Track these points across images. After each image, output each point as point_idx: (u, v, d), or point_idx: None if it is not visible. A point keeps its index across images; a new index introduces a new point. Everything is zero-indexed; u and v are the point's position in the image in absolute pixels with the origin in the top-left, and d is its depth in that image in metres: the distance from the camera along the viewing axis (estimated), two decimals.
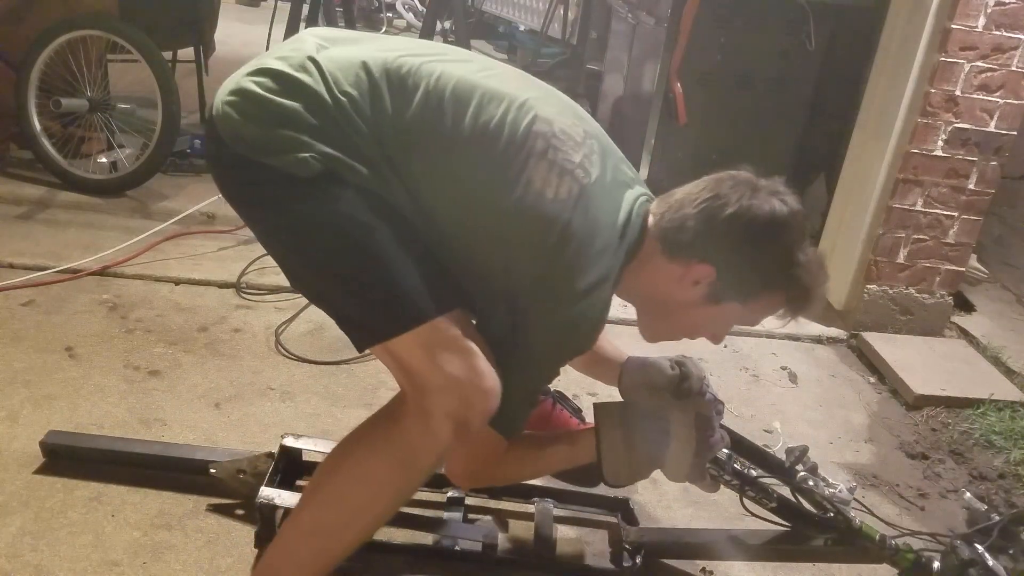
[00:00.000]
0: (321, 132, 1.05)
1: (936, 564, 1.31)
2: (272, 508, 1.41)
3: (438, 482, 1.58)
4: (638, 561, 1.47)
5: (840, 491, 1.33)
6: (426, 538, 1.47)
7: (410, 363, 1.10)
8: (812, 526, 1.36)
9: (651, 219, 1.19)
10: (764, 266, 1.15)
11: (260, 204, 1.12)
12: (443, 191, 1.10)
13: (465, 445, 1.14)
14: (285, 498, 1.43)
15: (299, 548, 1.16)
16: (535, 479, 1.54)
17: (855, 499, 1.35)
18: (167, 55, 3.23)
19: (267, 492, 1.41)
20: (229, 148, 1.08)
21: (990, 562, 1.24)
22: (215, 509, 1.51)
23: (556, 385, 1.77)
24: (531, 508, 1.57)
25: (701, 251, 1.14)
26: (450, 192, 1.10)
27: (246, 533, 1.45)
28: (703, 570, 1.53)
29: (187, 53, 3.49)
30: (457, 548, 1.46)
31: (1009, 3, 2.28)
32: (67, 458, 1.56)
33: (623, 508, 1.60)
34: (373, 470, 1.12)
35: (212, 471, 1.50)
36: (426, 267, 1.11)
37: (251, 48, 4.61)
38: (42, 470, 1.55)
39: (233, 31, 4.97)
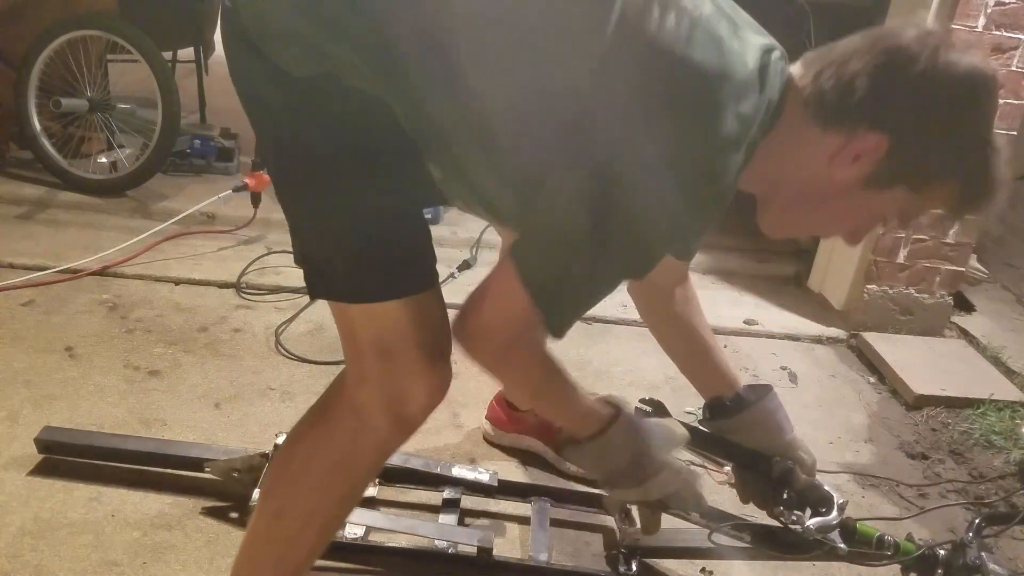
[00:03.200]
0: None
1: (942, 552, 1.25)
2: None
3: (434, 480, 1.58)
4: (634, 567, 1.46)
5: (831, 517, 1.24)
6: (422, 540, 1.47)
7: (358, 335, 1.00)
8: (797, 550, 1.30)
9: (796, 78, 0.94)
10: (955, 141, 0.90)
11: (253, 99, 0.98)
12: (496, 41, 0.86)
13: (504, 318, 0.94)
14: None
15: (261, 559, 1.10)
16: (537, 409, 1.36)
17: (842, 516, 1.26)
18: (167, 55, 3.23)
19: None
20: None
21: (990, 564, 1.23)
22: (214, 509, 1.51)
23: None
24: (527, 508, 1.57)
25: (873, 117, 0.88)
26: (505, 42, 0.86)
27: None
28: (703, 570, 1.53)
29: (187, 53, 3.49)
30: (452, 552, 1.45)
31: (1009, 3, 2.28)
32: (62, 454, 1.56)
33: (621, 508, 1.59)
34: (315, 474, 1.04)
35: (207, 470, 1.50)
36: (413, 228, 0.99)
37: None
38: (42, 470, 1.55)
39: None
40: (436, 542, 1.46)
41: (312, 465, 1.04)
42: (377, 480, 1.55)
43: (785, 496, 1.23)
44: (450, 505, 1.55)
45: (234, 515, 1.50)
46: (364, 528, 1.46)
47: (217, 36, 3.60)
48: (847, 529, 1.27)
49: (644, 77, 0.84)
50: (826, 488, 1.26)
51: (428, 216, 2.74)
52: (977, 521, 1.32)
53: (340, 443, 1.03)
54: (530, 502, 1.58)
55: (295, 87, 0.92)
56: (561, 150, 0.87)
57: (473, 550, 1.44)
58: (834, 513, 1.23)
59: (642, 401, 1.34)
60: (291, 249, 1.04)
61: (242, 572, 1.12)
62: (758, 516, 1.33)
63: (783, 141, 0.92)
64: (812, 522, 1.21)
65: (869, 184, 0.93)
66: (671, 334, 1.39)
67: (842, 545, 1.26)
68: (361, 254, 0.97)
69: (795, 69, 0.95)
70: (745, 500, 1.32)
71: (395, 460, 1.58)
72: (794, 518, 1.21)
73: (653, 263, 0.94)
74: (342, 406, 1.03)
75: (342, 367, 1.06)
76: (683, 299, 1.36)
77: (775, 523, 1.27)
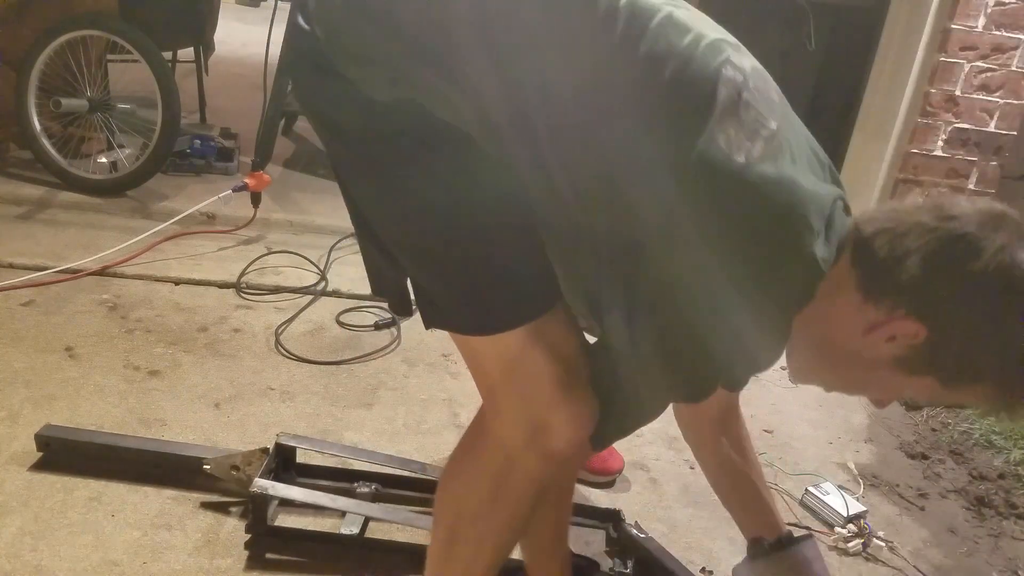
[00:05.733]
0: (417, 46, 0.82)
1: None
2: (265, 498, 1.42)
3: (431, 487, 1.58)
4: (629, 567, 1.46)
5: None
6: (419, 534, 1.47)
7: (484, 366, 0.95)
8: None
9: (853, 228, 0.88)
10: (1000, 348, 0.81)
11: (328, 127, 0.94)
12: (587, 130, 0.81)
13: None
14: (279, 489, 1.43)
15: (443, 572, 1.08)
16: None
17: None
18: (167, 55, 3.23)
19: (261, 483, 1.42)
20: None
21: None
22: (215, 508, 1.51)
23: None
24: None
25: (915, 303, 0.81)
26: (598, 129, 0.80)
27: (246, 533, 1.45)
28: (703, 570, 1.53)
29: (187, 53, 3.49)
30: None
31: (1009, 3, 2.29)
32: (62, 452, 1.56)
33: (615, 519, 1.58)
34: (473, 506, 1.01)
35: (206, 467, 1.50)
36: (529, 247, 0.89)
37: (251, 48, 4.62)
38: (42, 470, 1.55)
39: (233, 31, 4.97)
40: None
41: (470, 499, 1.01)
42: (374, 486, 1.55)
43: None
44: None
45: (234, 514, 1.50)
46: (362, 519, 1.46)
47: (217, 36, 3.60)
48: None
49: (734, 205, 0.78)
50: None
51: None
52: None
53: (490, 479, 0.99)
54: None
55: (378, 110, 0.87)
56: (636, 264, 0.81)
57: None
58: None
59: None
60: (367, 280, 1.01)
61: None
62: None
63: (828, 293, 0.85)
64: None
65: (898, 366, 0.86)
66: (718, 472, 1.30)
67: None
68: (475, 284, 0.90)
69: (857, 218, 0.89)
70: None
71: (394, 466, 1.58)
72: None
73: (710, 390, 0.89)
74: (488, 443, 0.98)
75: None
76: (735, 437, 1.27)
77: None
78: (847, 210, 0.89)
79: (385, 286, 1.02)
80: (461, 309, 0.91)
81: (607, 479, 1.75)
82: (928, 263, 0.80)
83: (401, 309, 1.03)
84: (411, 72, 0.84)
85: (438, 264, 0.91)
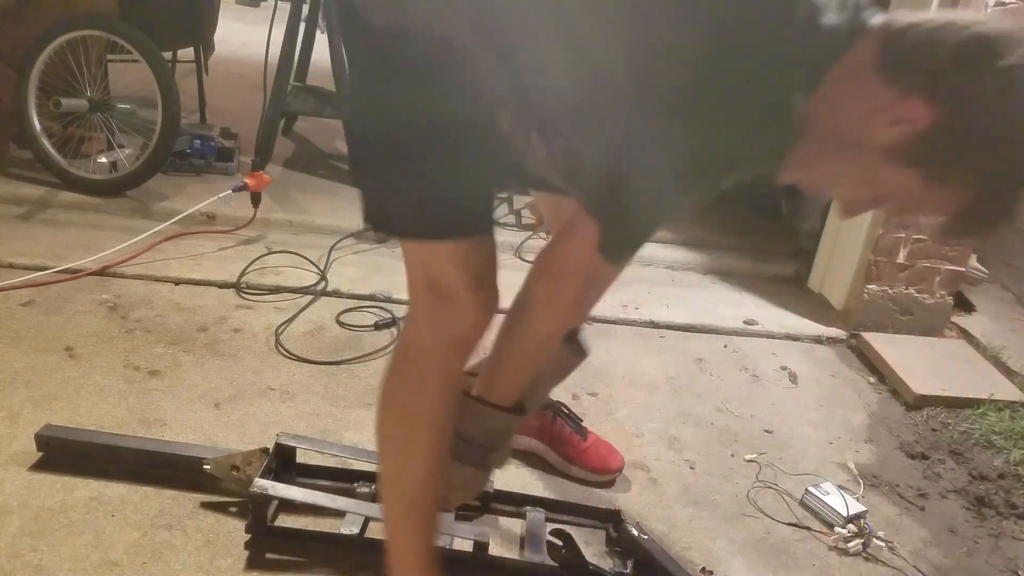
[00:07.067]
0: None
1: None
2: (265, 499, 1.42)
3: None
4: (629, 567, 1.46)
5: None
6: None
7: (410, 269, 1.09)
8: None
9: (880, 20, 0.90)
10: (996, 150, 0.85)
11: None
12: None
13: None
14: (279, 489, 1.43)
15: (389, 505, 1.20)
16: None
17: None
18: (167, 55, 3.23)
19: (261, 483, 1.42)
20: None
21: None
22: (215, 508, 1.51)
23: (555, 393, 1.77)
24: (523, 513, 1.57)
25: (934, 87, 0.83)
26: None
27: (246, 533, 1.45)
28: (703, 570, 1.53)
29: (187, 53, 3.49)
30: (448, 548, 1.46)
31: (1009, 3, 2.28)
32: (62, 452, 1.56)
33: (615, 519, 1.59)
34: (397, 407, 1.15)
35: (206, 467, 1.50)
36: (482, 175, 1.05)
37: (251, 48, 4.61)
38: (42, 470, 1.55)
39: (233, 31, 4.97)
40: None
41: (394, 399, 1.15)
42: (374, 486, 1.55)
43: None
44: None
45: (234, 514, 1.50)
46: (362, 519, 1.46)
47: (217, 36, 3.60)
48: None
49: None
50: None
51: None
52: None
53: (410, 374, 1.12)
54: (525, 512, 1.58)
55: (377, 35, 0.97)
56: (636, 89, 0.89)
57: (469, 545, 1.44)
58: None
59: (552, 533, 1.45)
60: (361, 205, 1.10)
61: (387, 529, 1.22)
62: None
63: (842, 79, 0.88)
64: None
65: (892, 156, 0.88)
66: None
67: None
68: (425, 194, 1.03)
69: (890, 16, 0.90)
70: None
71: None
72: None
73: (714, 183, 0.96)
74: (407, 342, 1.13)
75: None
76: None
77: None
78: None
79: (366, 204, 1.10)
80: (406, 216, 1.05)
81: (607, 478, 1.75)
82: (958, 52, 0.82)
83: (368, 219, 1.12)
84: None
85: (401, 169, 1.02)
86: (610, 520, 1.59)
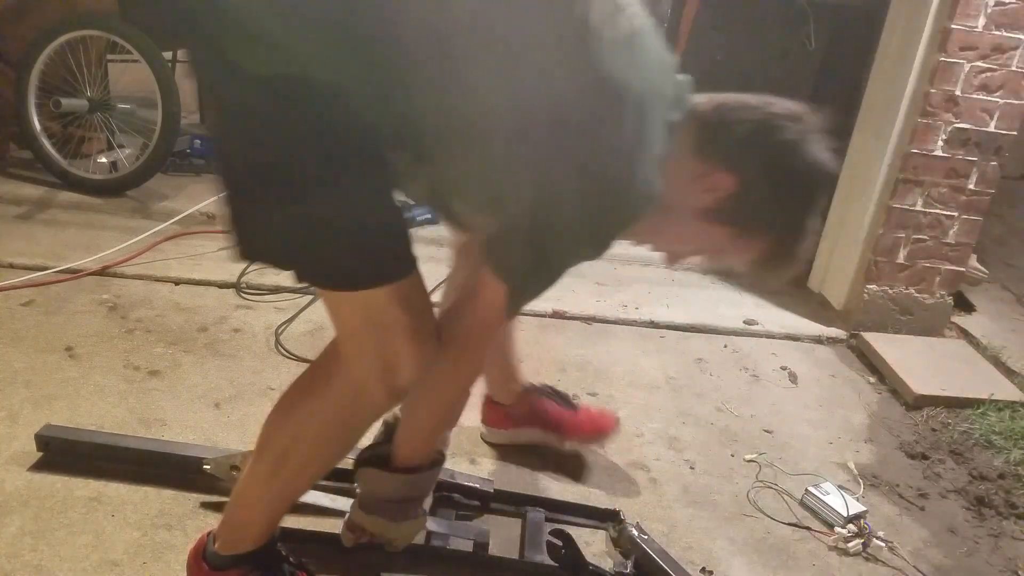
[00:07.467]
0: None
1: None
2: None
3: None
4: (629, 567, 1.47)
5: None
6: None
7: (344, 318, 1.08)
8: None
9: (699, 104, 1.09)
10: (782, 208, 1.08)
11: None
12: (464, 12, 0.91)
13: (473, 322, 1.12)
14: None
15: (259, 496, 1.22)
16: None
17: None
18: (167, 55, 3.23)
19: None
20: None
21: None
22: (215, 508, 1.51)
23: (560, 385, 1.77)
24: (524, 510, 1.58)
25: (734, 161, 1.05)
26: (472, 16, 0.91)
27: None
28: (703, 570, 1.53)
29: None
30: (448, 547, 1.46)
31: (1009, 3, 2.28)
32: (62, 452, 1.56)
33: (614, 519, 1.59)
34: (315, 430, 1.16)
35: (206, 467, 1.50)
36: (395, 217, 1.03)
37: None
38: (42, 470, 1.55)
39: None
40: (432, 539, 1.46)
41: (312, 422, 1.16)
42: None
43: None
44: (446, 504, 1.56)
45: None
46: None
47: None
48: None
49: (592, 94, 0.93)
50: None
51: (428, 216, 2.75)
52: None
53: (339, 408, 1.14)
54: (525, 512, 1.58)
55: (260, 84, 0.92)
56: (532, 152, 0.96)
57: (469, 545, 1.44)
58: None
59: (552, 534, 1.47)
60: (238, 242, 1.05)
61: (239, 510, 1.24)
62: None
63: (673, 156, 1.04)
64: None
65: (708, 216, 1.08)
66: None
67: None
68: (346, 245, 1.01)
69: (701, 97, 1.10)
70: None
71: None
72: None
73: (613, 238, 1.07)
74: (341, 377, 1.12)
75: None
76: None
77: None
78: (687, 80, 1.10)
79: (258, 248, 1.06)
80: (331, 268, 1.03)
81: (604, 439, 1.80)
82: (749, 131, 1.05)
83: (276, 265, 1.08)
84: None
85: (312, 223, 0.99)
86: (610, 520, 1.59)
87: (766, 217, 1.08)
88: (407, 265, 1.06)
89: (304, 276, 1.06)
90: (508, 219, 1.04)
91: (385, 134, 0.99)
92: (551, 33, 0.92)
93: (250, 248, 1.04)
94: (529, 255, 1.02)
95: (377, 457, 1.27)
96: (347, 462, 1.62)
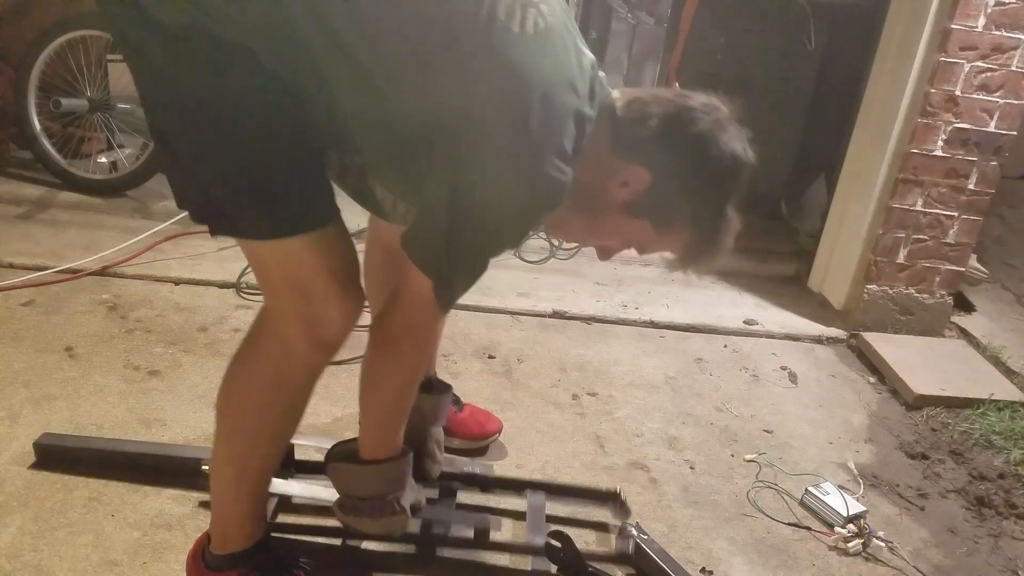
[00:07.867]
0: None
1: None
2: None
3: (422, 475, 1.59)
4: (631, 547, 1.48)
5: None
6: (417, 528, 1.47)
7: (271, 271, 1.08)
8: None
9: (613, 100, 1.10)
10: (699, 199, 1.08)
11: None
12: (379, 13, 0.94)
13: (404, 308, 1.13)
14: (278, 486, 1.43)
15: (224, 478, 1.23)
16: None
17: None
18: None
19: None
20: None
21: None
22: None
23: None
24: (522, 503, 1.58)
25: (648, 155, 1.05)
26: (386, 16, 0.94)
27: None
28: (703, 570, 1.53)
29: None
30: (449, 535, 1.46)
31: (1009, 3, 2.29)
32: (61, 460, 1.56)
33: (614, 500, 1.60)
34: (254, 397, 1.16)
35: (206, 467, 1.50)
36: (311, 165, 1.05)
37: None
38: (42, 470, 1.55)
39: None
40: (433, 529, 1.46)
41: (251, 390, 1.16)
42: None
43: None
44: (446, 494, 1.56)
45: None
46: None
47: None
48: None
49: (502, 83, 0.94)
50: None
51: None
52: None
53: (272, 369, 1.14)
54: (525, 495, 1.59)
55: (171, 34, 0.94)
56: (438, 152, 0.98)
57: (470, 533, 1.45)
58: None
59: (551, 535, 1.45)
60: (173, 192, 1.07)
61: (216, 505, 1.25)
62: None
63: (588, 152, 1.05)
64: None
65: (627, 210, 1.09)
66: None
67: None
68: (263, 193, 1.02)
69: (615, 93, 1.11)
70: None
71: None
72: None
73: (525, 233, 1.12)
74: (268, 336, 1.14)
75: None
76: None
77: None
78: (600, 74, 1.10)
79: (187, 199, 1.07)
80: (249, 217, 1.03)
81: (485, 443, 1.77)
82: (662, 124, 1.05)
83: (200, 219, 1.08)
84: None
85: (229, 173, 1.01)
86: (610, 500, 1.60)
87: (685, 209, 1.09)
88: (325, 214, 1.06)
89: (221, 228, 1.05)
90: (422, 211, 1.05)
91: (299, 97, 1.00)
92: (459, 28, 0.94)
93: (181, 198, 1.07)
94: (443, 247, 1.02)
95: (344, 452, 1.28)
96: None
